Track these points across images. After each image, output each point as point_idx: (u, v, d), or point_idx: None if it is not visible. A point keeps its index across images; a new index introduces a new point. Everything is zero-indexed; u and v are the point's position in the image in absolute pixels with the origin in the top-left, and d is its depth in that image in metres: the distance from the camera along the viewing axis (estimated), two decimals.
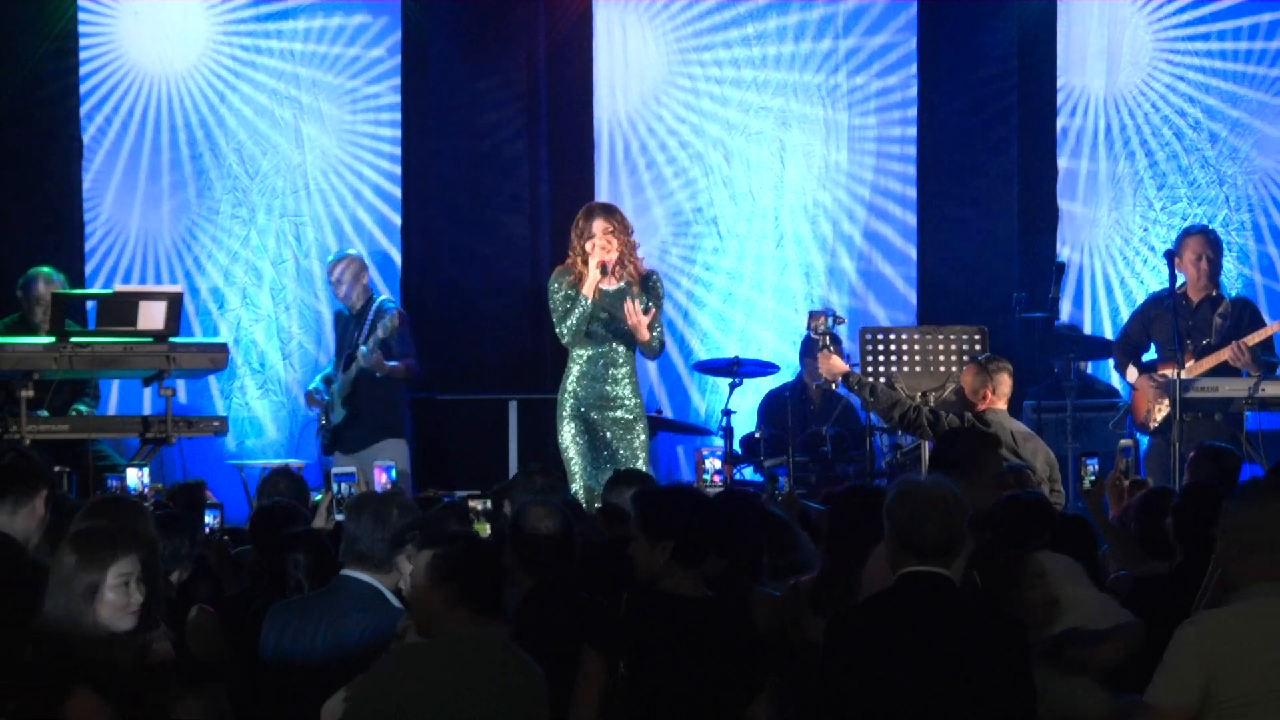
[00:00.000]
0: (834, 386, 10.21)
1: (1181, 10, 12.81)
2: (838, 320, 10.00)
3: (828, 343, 9.78)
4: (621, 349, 9.34)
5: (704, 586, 5.43)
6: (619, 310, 9.26)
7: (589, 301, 9.20)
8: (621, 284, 9.30)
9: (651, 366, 12.50)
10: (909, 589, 5.07)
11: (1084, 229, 12.83)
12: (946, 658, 4.87)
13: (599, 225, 9.25)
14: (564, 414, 9.33)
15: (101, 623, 4.85)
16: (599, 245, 9.21)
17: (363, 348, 10.65)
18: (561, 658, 5.39)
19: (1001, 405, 9.14)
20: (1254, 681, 4.59)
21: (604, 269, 9.20)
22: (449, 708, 4.73)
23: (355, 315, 11.04)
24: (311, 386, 11.26)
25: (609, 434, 9.27)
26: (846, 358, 11.24)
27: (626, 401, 9.31)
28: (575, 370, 9.35)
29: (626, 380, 9.33)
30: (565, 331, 9.30)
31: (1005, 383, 9.16)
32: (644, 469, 9.09)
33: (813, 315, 9.97)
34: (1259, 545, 4.71)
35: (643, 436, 9.36)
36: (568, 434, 9.31)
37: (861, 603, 5.35)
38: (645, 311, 9.25)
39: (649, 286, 9.37)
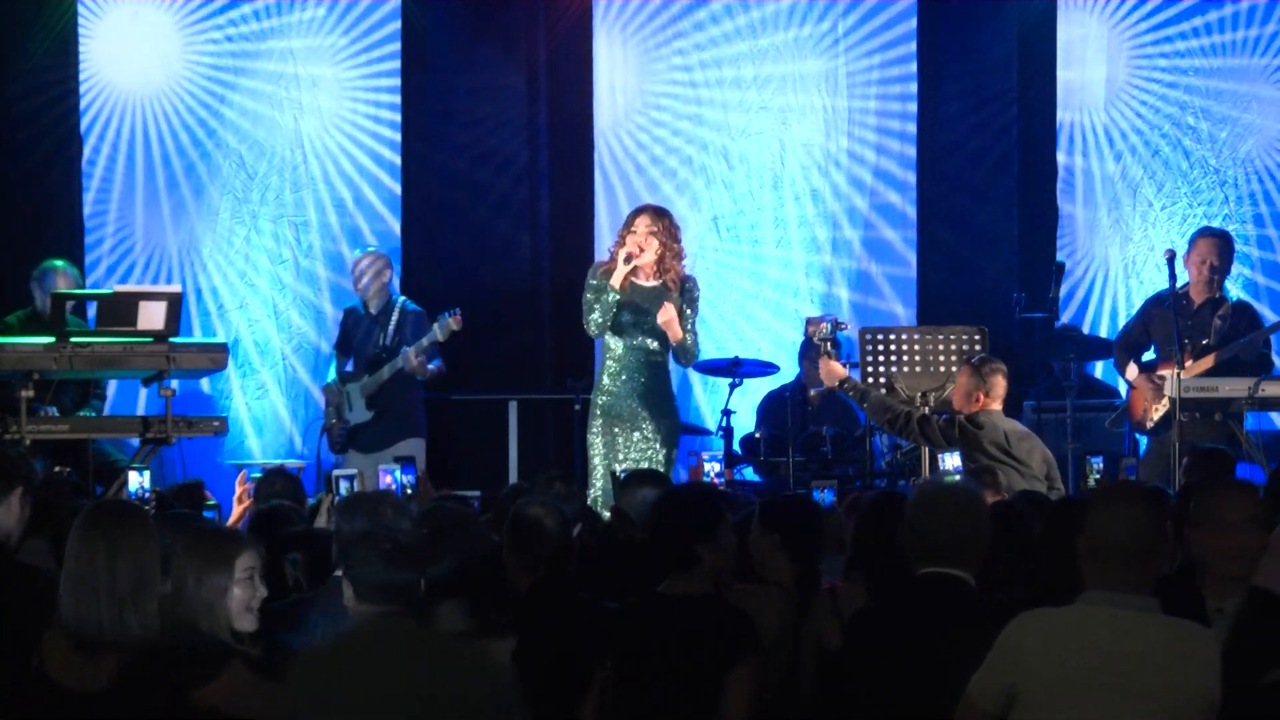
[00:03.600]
0: (835, 391, 10.22)
1: (1179, 8, 12.81)
2: (839, 326, 10.00)
3: (828, 348, 9.80)
4: (655, 346, 9.35)
5: (700, 585, 5.43)
6: (654, 308, 9.30)
7: (615, 293, 9.24)
8: (658, 283, 9.33)
9: None
10: (924, 590, 5.15)
11: (1084, 229, 12.82)
12: (958, 658, 4.86)
13: (643, 222, 9.35)
14: (595, 412, 9.35)
15: (230, 625, 4.89)
16: (634, 240, 9.26)
17: (406, 348, 10.72)
18: (558, 657, 5.40)
19: (996, 406, 9.15)
20: (1053, 683, 4.51)
21: (628, 259, 9.24)
22: (351, 704, 4.72)
23: (376, 315, 11.12)
24: (329, 380, 11.31)
25: (636, 433, 9.28)
26: (846, 358, 11.27)
27: (659, 400, 9.33)
28: (611, 365, 9.37)
29: (659, 378, 9.34)
30: (590, 324, 9.34)
31: (1000, 384, 9.18)
32: (664, 469, 9.08)
33: (810, 322, 9.98)
34: (1099, 551, 4.62)
35: (670, 436, 9.36)
36: (596, 431, 9.33)
37: (879, 602, 5.39)
38: (681, 315, 9.32)
39: (685, 290, 9.41)
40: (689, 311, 9.41)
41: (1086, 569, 4.65)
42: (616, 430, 9.30)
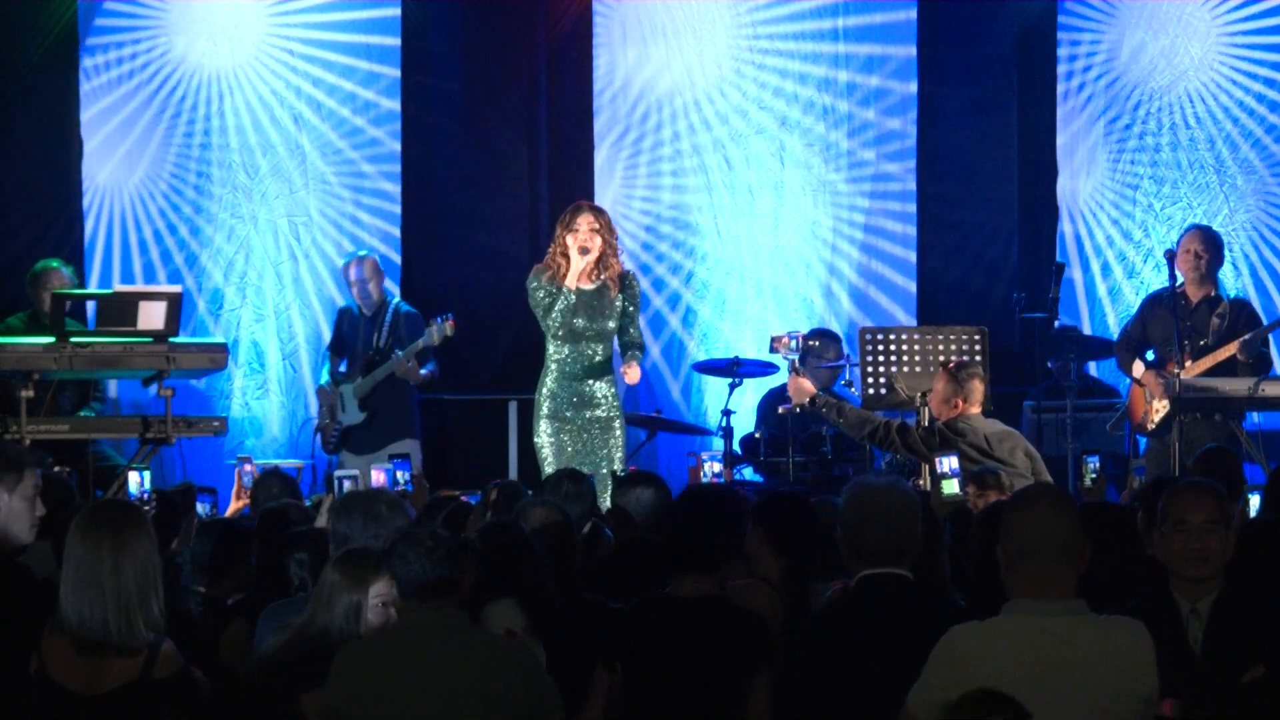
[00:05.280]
0: (798, 410, 10.17)
1: (1182, 8, 12.82)
2: (807, 341, 9.99)
3: (798, 365, 9.78)
4: (599, 347, 9.36)
5: (714, 587, 5.42)
6: (597, 309, 9.29)
7: (571, 293, 9.24)
8: (599, 284, 9.33)
9: (650, 366, 12.52)
10: (866, 592, 5.12)
11: (1084, 229, 12.82)
12: (907, 657, 4.84)
13: (585, 220, 9.33)
14: (541, 413, 9.35)
15: None
16: (581, 238, 9.27)
17: (398, 351, 10.74)
18: (561, 658, 5.39)
19: (975, 411, 9.15)
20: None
21: (584, 251, 9.24)
22: (396, 698, 4.73)
23: (371, 316, 11.15)
24: (322, 381, 11.34)
25: (586, 433, 9.28)
26: (846, 358, 11.26)
27: (604, 400, 9.32)
28: (553, 369, 9.36)
29: (604, 379, 9.34)
30: (551, 325, 9.33)
31: (977, 389, 9.19)
32: (620, 469, 9.08)
33: (775, 340, 9.94)
34: (1017, 558, 4.60)
35: (620, 436, 9.35)
36: (544, 433, 9.33)
37: (824, 607, 5.38)
38: (624, 314, 9.36)
39: (626, 286, 9.42)
40: (631, 308, 9.44)
41: (1008, 578, 4.63)
42: (569, 425, 9.30)
